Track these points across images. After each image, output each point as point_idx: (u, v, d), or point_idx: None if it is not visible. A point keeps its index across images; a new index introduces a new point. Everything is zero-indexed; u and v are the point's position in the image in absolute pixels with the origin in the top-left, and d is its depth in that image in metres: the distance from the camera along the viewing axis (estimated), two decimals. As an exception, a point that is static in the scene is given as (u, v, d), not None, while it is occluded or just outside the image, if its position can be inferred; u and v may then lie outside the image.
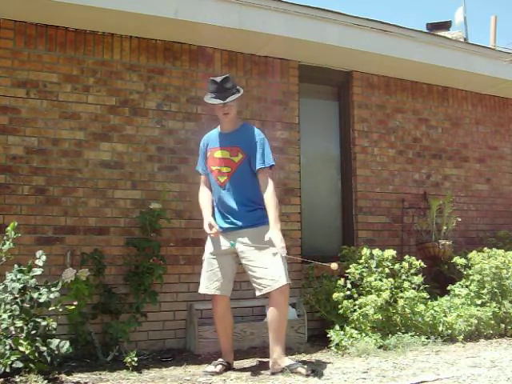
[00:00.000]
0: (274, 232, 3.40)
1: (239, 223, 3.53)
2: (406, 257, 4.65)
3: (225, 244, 3.56)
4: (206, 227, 3.53)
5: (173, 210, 4.41)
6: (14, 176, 3.97)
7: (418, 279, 4.52)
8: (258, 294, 3.51)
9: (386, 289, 4.29)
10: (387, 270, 4.46)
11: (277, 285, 3.43)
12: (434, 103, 5.88)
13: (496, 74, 5.66)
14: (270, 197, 3.49)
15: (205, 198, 3.72)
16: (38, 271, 3.24)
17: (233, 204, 3.55)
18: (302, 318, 4.51)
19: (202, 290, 3.63)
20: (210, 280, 3.57)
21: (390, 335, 4.28)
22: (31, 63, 4.08)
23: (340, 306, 4.32)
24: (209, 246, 3.62)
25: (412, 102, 5.73)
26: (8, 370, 2.97)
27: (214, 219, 3.59)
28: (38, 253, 3.31)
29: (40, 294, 3.17)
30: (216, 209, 3.65)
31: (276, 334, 3.47)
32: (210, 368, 3.51)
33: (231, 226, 3.54)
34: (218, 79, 3.57)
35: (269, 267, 3.45)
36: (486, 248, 5.05)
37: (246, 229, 3.52)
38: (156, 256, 4.10)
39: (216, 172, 3.61)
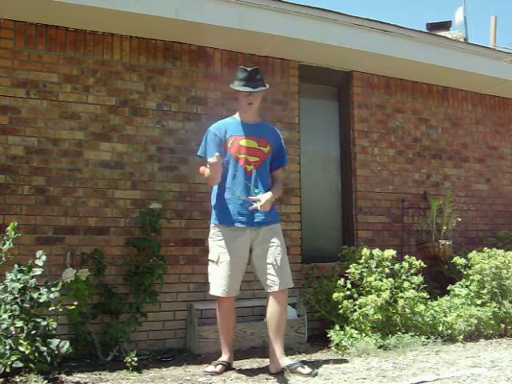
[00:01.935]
0: (268, 193, 3.50)
1: (262, 218, 3.50)
2: (406, 257, 4.65)
3: (243, 245, 3.51)
4: (211, 159, 3.35)
5: (173, 210, 4.41)
6: (14, 176, 3.96)
7: (418, 279, 4.52)
8: (269, 290, 3.49)
9: (386, 289, 4.29)
10: (387, 270, 4.46)
11: (285, 285, 3.49)
12: (434, 103, 5.88)
13: (496, 73, 5.66)
14: (279, 185, 3.70)
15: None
16: (38, 271, 3.24)
17: (259, 193, 3.49)
18: (302, 318, 4.52)
19: (221, 293, 3.50)
20: (231, 283, 3.49)
21: (390, 335, 4.28)
22: (31, 63, 4.08)
23: (340, 306, 4.32)
24: (226, 248, 3.49)
25: (412, 102, 5.73)
26: (8, 369, 2.96)
27: (228, 213, 3.51)
28: (38, 253, 3.31)
29: (40, 294, 3.17)
30: (235, 203, 3.51)
31: (276, 333, 3.48)
32: (210, 368, 3.51)
33: (253, 221, 3.49)
34: (249, 68, 3.59)
35: (282, 266, 3.49)
36: (486, 248, 5.05)
37: (265, 225, 3.52)
38: (156, 256, 4.10)
39: (243, 160, 3.54)
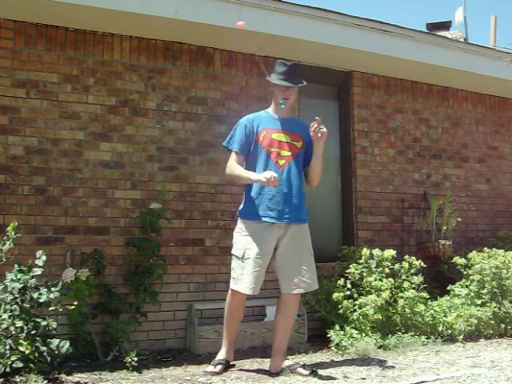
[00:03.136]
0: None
1: (292, 216, 3.45)
2: (406, 257, 4.66)
3: (270, 242, 3.44)
4: (265, 177, 3.25)
5: (173, 210, 4.40)
6: (14, 176, 3.96)
7: (418, 279, 4.52)
8: (286, 292, 3.46)
9: (386, 289, 4.30)
10: (387, 270, 4.46)
11: (309, 288, 3.50)
12: (434, 103, 5.88)
13: (496, 73, 5.66)
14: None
15: (239, 167, 3.49)
16: (38, 271, 3.24)
17: (291, 189, 3.46)
18: (302, 318, 4.51)
19: (247, 290, 3.39)
20: (256, 280, 3.41)
21: (390, 335, 4.28)
22: (31, 63, 4.08)
23: (340, 306, 4.33)
24: (253, 244, 3.41)
25: (412, 101, 5.73)
26: (8, 369, 2.96)
27: (257, 207, 3.44)
28: (38, 253, 3.31)
29: (40, 294, 3.18)
30: (264, 197, 3.44)
31: (282, 335, 3.49)
32: (210, 368, 3.50)
33: (283, 217, 3.43)
34: (288, 63, 3.56)
35: (308, 269, 3.47)
36: (486, 248, 5.05)
37: (294, 223, 3.47)
38: (156, 256, 4.10)
39: (275, 154, 3.48)
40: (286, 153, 3.50)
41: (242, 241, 3.46)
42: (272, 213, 3.43)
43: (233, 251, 3.53)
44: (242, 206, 3.57)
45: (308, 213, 3.63)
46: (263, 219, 3.43)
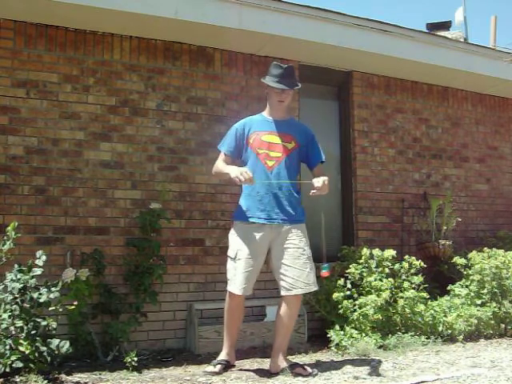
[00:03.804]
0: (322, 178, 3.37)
1: (284, 216, 3.46)
2: (406, 257, 4.66)
3: (261, 243, 3.45)
4: (239, 175, 3.27)
5: (173, 210, 4.41)
6: (14, 176, 3.97)
7: (418, 279, 4.52)
8: (284, 293, 3.45)
9: (386, 289, 4.30)
10: (387, 270, 4.46)
11: (308, 289, 3.47)
12: (434, 103, 5.88)
13: (496, 73, 5.66)
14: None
15: (222, 163, 3.55)
16: (38, 271, 3.24)
17: (281, 190, 3.46)
18: (302, 318, 4.51)
19: (238, 291, 3.41)
20: (247, 281, 3.42)
21: (390, 335, 4.28)
22: (31, 63, 4.08)
23: (340, 306, 4.32)
24: (244, 245, 3.44)
25: (412, 102, 5.73)
26: (8, 369, 2.97)
27: (247, 208, 3.46)
28: (38, 253, 3.31)
29: (40, 294, 3.18)
30: (254, 198, 3.48)
31: (282, 336, 3.49)
32: (210, 368, 3.50)
33: (273, 217, 3.45)
34: (284, 65, 3.56)
35: (304, 270, 3.45)
36: (486, 248, 5.05)
37: (288, 224, 3.47)
38: (156, 256, 4.10)
39: (264, 155, 3.50)
40: (276, 154, 3.51)
41: (235, 242, 3.50)
42: (262, 214, 3.45)
43: (228, 252, 3.56)
44: (236, 208, 3.60)
45: (304, 213, 3.63)
46: (253, 220, 3.46)
